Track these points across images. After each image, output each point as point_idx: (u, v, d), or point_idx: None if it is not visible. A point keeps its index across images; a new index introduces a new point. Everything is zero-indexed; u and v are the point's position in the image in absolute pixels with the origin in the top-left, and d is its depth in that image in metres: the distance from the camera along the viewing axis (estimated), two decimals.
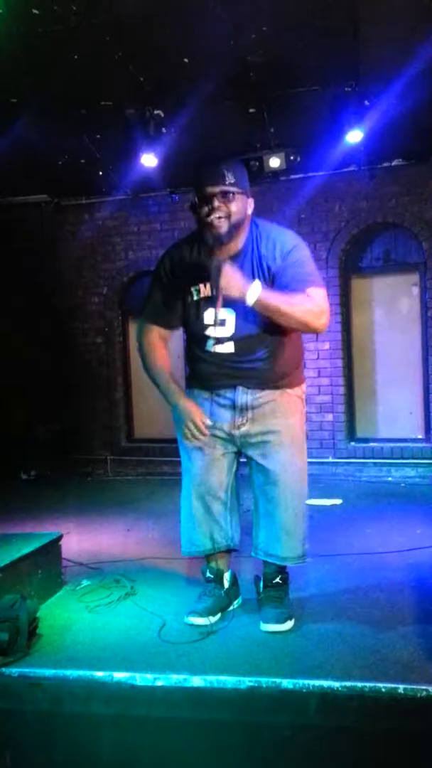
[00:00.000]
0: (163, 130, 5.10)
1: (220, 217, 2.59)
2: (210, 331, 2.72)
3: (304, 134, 5.40)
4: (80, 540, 4.20)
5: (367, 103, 4.86)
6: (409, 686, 2.20)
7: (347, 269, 6.36)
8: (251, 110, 5.04)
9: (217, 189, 2.59)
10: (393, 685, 2.21)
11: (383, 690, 2.20)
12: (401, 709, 2.20)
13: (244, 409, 2.76)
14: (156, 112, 5.00)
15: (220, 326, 2.70)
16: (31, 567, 3.09)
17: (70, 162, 5.85)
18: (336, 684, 2.24)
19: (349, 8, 3.84)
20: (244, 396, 2.75)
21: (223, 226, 2.60)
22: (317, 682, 2.25)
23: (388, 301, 6.40)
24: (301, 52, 4.26)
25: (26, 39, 3.90)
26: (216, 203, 2.59)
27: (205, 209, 2.60)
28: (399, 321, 6.35)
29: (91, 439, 7.11)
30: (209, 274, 2.56)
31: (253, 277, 2.62)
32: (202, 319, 2.73)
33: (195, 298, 2.74)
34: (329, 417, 6.32)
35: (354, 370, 6.44)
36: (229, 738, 2.28)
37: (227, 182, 2.59)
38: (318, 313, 2.58)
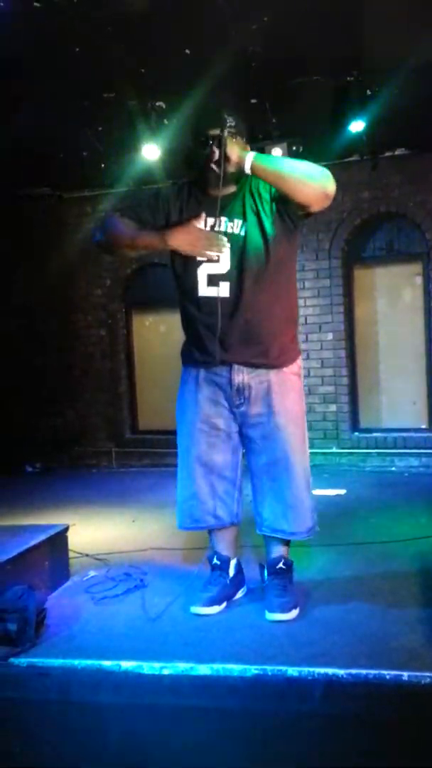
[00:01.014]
0: (165, 121, 5.10)
1: (219, 161, 2.60)
2: (202, 269, 2.72)
3: (306, 124, 5.38)
4: (86, 532, 4.23)
5: (369, 92, 4.85)
6: (413, 673, 2.22)
7: (350, 259, 6.36)
8: (253, 101, 5.03)
9: (217, 132, 2.62)
10: (397, 673, 2.23)
11: (388, 677, 2.22)
12: (405, 696, 2.22)
13: (240, 389, 2.75)
14: (158, 103, 5.00)
15: (213, 262, 2.69)
16: (38, 558, 3.12)
17: (72, 155, 5.85)
18: (341, 671, 2.26)
19: None
20: (239, 375, 2.75)
21: (224, 169, 2.62)
22: (322, 670, 2.27)
23: (391, 292, 6.40)
24: (303, 41, 4.24)
25: (27, 32, 3.90)
26: (214, 147, 2.61)
27: (208, 151, 2.63)
28: (402, 311, 6.36)
29: (95, 431, 7.14)
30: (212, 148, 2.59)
31: (254, 215, 2.69)
32: (195, 256, 2.71)
33: None
34: (333, 408, 6.33)
35: (357, 361, 6.44)
36: (235, 725, 2.30)
37: (228, 125, 2.64)
38: (322, 171, 2.60)
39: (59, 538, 3.37)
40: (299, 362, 2.90)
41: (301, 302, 6.00)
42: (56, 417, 7.19)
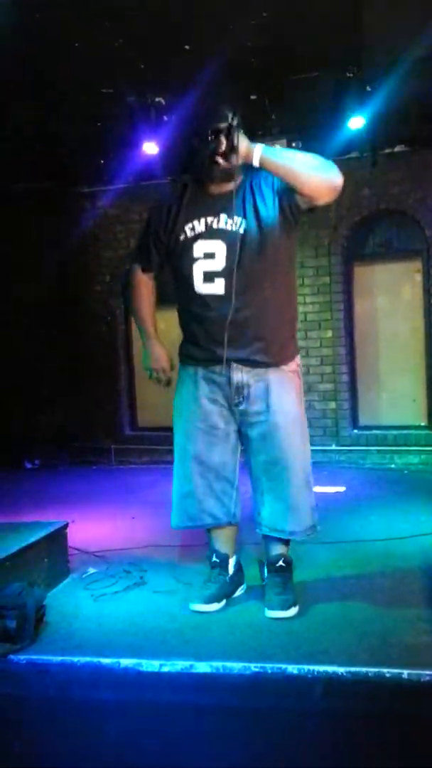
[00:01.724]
0: (165, 117, 5.09)
1: (227, 152, 2.60)
2: (198, 266, 2.71)
3: (305, 121, 5.38)
4: (85, 528, 4.22)
5: (369, 88, 4.84)
6: (413, 671, 2.21)
7: (350, 256, 6.35)
8: (252, 97, 5.02)
9: (223, 125, 2.60)
10: (397, 670, 2.22)
11: (387, 675, 2.22)
12: (405, 693, 2.21)
13: (239, 387, 2.74)
14: (157, 99, 4.98)
15: (210, 259, 2.69)
16: (38, 555, 3.11)
17: (72, 150, 5.83)
18: (341, 669, 2.25)
19: None
20: (238, 373, 2.73)
21: (223, 163, 2.62)
22: (322, 668, 2.27)
23: (391, 288, 6.39)
24: (302, 37, 4.24)
25: (26, 26, 3.88)
26: (222, 138, 2.60)
27: (213, 145, 2.61)
28: (402, 308, 6.35)
29: (94, 427, 7.13)
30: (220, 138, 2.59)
31: (254, 212, 2.68)
32: (192, 254, 2.72)
33: (189, 234, 2.74)
34: (332, 405, 6.33)
35: (357, 358, 6.43)
36: (235, 723, 2.30)
37: (231, 119, 2.63)
38: (330, 164, 2.64)
39: (59, 535, 3.36)
40: (298, 360, 2.89)
41: (300, 299, 6.00)
42: (55, 413, 7.17)
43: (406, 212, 6.10)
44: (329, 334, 6.32)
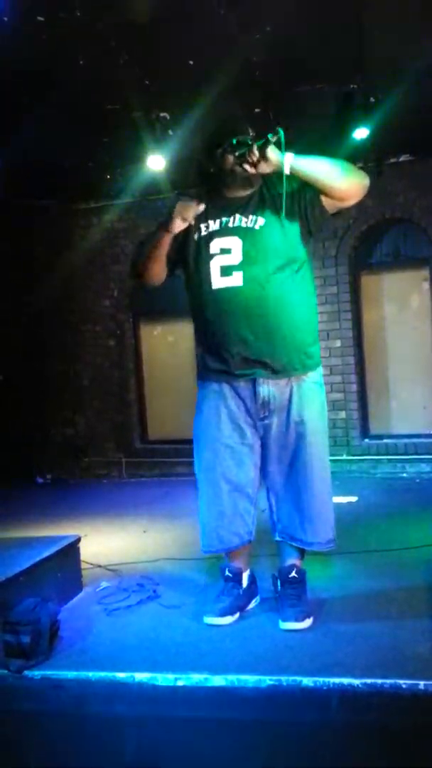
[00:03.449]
0: (170, 132, 5.12)
1: (250, 163, 2.66)
2: (216, 261, 2.73)
3: (310, 132, 5.37)
4: (97, 542, 4.23)
5: (372, 99, 4.85)
6: (429, 682, 2.20)
7: (357, 266, 6.36)
8: (257, 110, 5.04)
9: (248, 135, 2.71)
10: (413, 682, 2.21)
11: (404, 686, 2.21)
12: (422, 705, 2.20)
13: (266, 401, 2.76)
14: (162, 114, 5.01)
15: (226, 254, 2.72)
16: (51, 570, 3.12)
17: (78, 166, 5.88)
18: (356, 681, 2.24)
19: (354, 4, 3.83)
20: (264, 387, 2.74)
21: (251, 171, 2.68)
22: (337, 680, 2.26)
23: (399, 297, 6.39)
24: (305, 50, 4.26)
25: (31, 45, 3.92)
26: (253, 147, 2.66)
27: (235, 155, 2.67)
28: (410, 316, 6.34)
29: (105, 441, 7.14)
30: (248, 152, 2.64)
31: (269, 213, 2.73)
32: (208, 251, 2.75)
33: (203, 233, 2.77)
34: (342, 414, 6.31)
35: (366, 367, 6.43)
36: (250, 736, 2.29)
37: (251, 133, 2.74)
38: (354, 167, 2.75)
39: (71, 550, 3.36)
40: (320, 370, 2.88)
41: None
42: (66, 428, 7.20)
43: (412, 221, 6.11)
44: (338, 343, 6.31)
